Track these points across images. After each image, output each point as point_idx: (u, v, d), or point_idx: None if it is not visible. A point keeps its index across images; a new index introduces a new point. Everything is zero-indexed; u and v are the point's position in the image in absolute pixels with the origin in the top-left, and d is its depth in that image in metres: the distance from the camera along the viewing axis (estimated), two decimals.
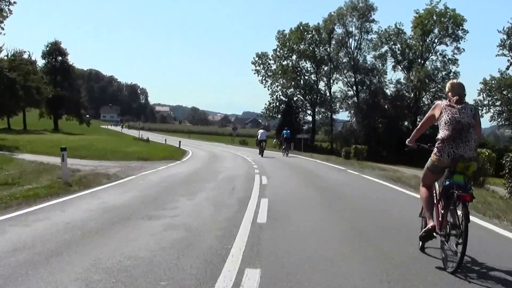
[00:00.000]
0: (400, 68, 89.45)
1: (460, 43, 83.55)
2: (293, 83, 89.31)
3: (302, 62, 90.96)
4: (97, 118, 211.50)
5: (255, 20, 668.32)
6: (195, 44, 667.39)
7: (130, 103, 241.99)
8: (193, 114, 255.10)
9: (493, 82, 79.01)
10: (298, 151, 64.28)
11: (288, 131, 47.13)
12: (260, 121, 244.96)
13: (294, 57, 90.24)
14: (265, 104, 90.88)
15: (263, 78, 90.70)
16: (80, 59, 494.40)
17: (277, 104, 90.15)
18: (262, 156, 39.78)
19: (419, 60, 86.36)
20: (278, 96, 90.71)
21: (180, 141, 63.98)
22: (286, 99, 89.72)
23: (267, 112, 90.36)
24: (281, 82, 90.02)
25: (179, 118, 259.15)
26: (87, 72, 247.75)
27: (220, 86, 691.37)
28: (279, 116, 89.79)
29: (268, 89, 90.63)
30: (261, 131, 44.10)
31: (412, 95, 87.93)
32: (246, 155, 42.33)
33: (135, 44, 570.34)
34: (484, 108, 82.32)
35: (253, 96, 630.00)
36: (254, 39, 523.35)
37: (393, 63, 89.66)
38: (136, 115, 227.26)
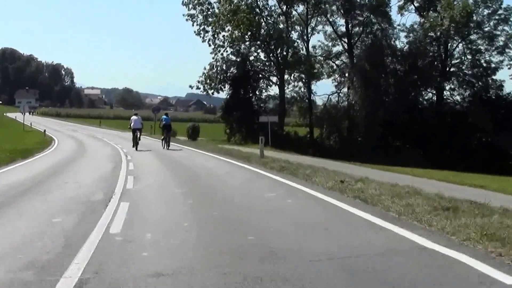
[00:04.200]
0: (415, 9, 57.15)
1: None
2: (249, 33, 53.38)
3: None
4: (12, 104, 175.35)
5: None
6: (130, 19, 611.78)
7: (51, 86, 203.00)
8: (126, 97, 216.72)
9: None
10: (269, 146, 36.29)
11: (168, 117, 36.18)
12: (204, 102, 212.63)
13: None
14: (204, 69, 55.07)
15: (200, 27, 54.71)
16: None
17: (224, 68, 54.51)
18: (136, 149, 31.28)
19: None
20: (225, 55, 55.03)
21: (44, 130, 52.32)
22: (239, 59, 54.18)
23: (207, 81, 54.39)
24: (230, 32, 53.99)
25: (112, 102, 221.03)
26: (0, 51, 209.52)
27: (161, 67, 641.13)
28: (228, 87, 54.22)
29: (209, 45, 54.78)
30: (134, 117, 34.47)
31: (433, 49, 55.67)
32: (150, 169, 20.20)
33: (61, 18, 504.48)
34: None
35: (198, 77, 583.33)
36: None
37: (400, 2, 56.74)
38: (59, 99, 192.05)
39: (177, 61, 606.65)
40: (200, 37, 54.82)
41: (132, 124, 33.31)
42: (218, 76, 54.30)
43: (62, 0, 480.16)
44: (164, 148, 32.74)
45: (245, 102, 52.29)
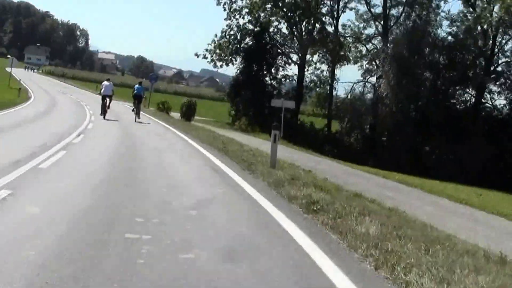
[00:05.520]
0: None
1: None
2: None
3: None
4: (21, 60, 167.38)
5: None
6: None
7: (64, 46, 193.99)
8: (139, 65, 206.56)
9: None
10: (281, 139, 22.09)
11: (141, 87, 33.21)
12: (217, 80, 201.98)
13: None
14: (214, 36, 46.32)
15: None
16: None
17: (238, 37, 45.72)
18: (104, 117, 28.20)
19: None
20: (241, 23, 46.25)
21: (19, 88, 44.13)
22: (257, 29, 45.28)
23: (216, 51, 45.62)
24: None
25: (125, 69, 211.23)
26: (15, 5, 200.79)
27: (179, 39, 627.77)
28: (240, 60, 45.40)
29: (224, 9, 46.09)
30: (106, 83, 30.95)
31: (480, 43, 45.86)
32: None
33: None
34: None
35: (207, 44, 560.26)
36: None
37: None
38: (71, 60, 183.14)
39: (196, 35, 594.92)
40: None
41: (102, 90, 30.44)
42: (230, 46, 45.33)
43: None
44: (135, 120, 29.65)
45: (257, 80, 43.47)
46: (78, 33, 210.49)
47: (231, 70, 40.64)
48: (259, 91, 41.91)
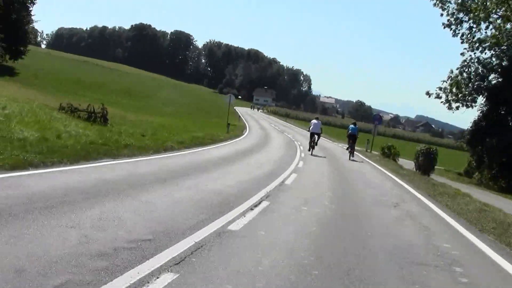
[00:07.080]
0: None
1: None
2: None
3: None
4: (250, 100, 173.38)
5: None
6: (378, 38, 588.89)
7: (288, 89, 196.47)
8: (358, 109, 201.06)
9: None
10: None
11: (356, 127, 30.95)
12: (433, 126, 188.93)
13: None
14: (450, 72, 36.83)
15: (452, 17, 36.57)
16: (241, 38, 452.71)
17: (480, 72, 35.72)
18: (311, 154, 27.86)
19: None
20: (483, 58, 36.26)
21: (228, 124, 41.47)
22: (506, 63, 34.85)
23: (453, 89, 36.06)
24: (500, 21, 35.08)
25: (344, 112, 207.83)
26: (246, 51, 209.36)
27: (398, 86, 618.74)
28: (483, 100, 35.55)
29: (462, 41, 36.42)
30: (314, 121, 30.57)
31: None
32: None
33: (307, 31, 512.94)
34: None
35: (429, 101, 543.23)
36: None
37: None
38: (294, 102, 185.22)
39: (415, 83, 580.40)
40: (450, 29, 36.63)
41: (311, 128, 30.29)
42: (470, 85, 35.54)
43: (308, 17, 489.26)
44: (349, 159, 28.76)
45: (504, 125, 33.01)
46: (302, 78, 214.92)
47: (447, 115, 31.55)
48: (507, 139, 31.49)
